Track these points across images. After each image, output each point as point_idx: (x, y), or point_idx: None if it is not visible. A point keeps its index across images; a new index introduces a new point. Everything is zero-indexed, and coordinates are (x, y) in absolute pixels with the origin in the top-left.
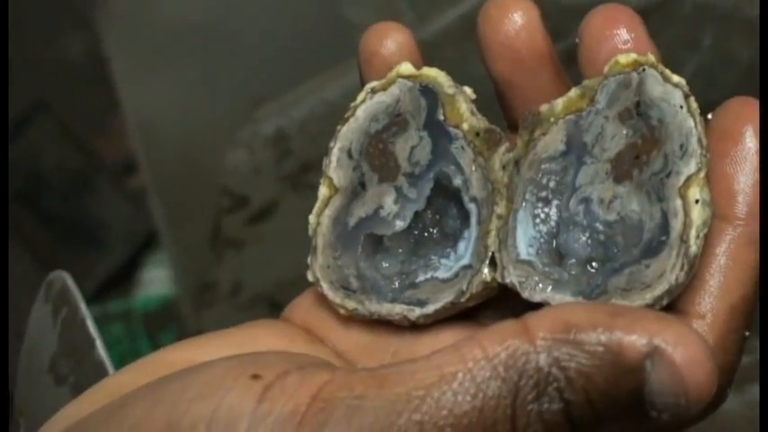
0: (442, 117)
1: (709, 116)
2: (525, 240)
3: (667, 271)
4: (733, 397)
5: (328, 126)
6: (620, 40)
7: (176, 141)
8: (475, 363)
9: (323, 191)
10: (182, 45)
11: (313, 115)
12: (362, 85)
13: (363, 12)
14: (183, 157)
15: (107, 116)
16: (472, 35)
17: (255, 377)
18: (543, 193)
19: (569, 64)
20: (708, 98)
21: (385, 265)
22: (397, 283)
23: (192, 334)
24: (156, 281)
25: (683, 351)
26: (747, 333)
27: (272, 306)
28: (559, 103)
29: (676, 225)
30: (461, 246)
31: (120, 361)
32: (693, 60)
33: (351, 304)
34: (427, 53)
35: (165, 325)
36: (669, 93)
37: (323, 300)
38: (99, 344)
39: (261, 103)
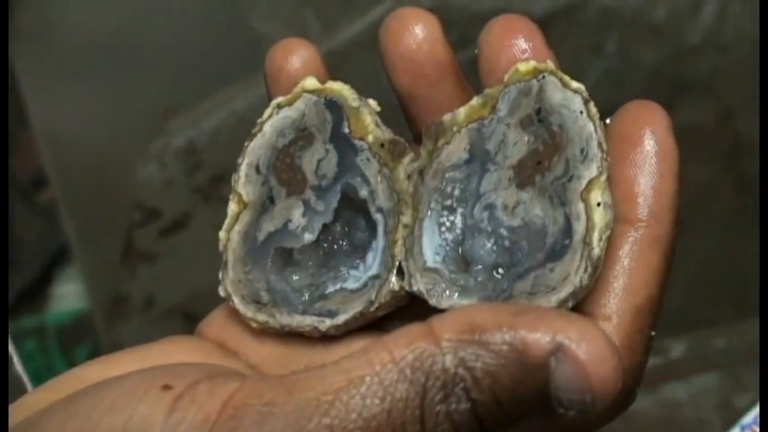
0: (347, 130)
1: (608, 121)
2: (431, 248)
3: (571, 274)
4: (645, 397)
5: (239, 138)
6: (518, 50)
7: (86, 155)
8: (382, 366)
9: (232, 207)
10: (90, 58)
11: (223, 127)
12: (269, 100)
13: (271, 24)
14: (93, 170)
15: (15, 130)
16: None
17: (166, 388)
18: (448, 202)
19: (470, 74)
20: (614, 103)
21: (295, 277)
22: (307, 296)
23: (106, 348)
24: (68, 295)
25: (586, 347)
26: (653, 333)
27: (186, 318)
28: (461, 112)
29: (579, 228)
30: (370, 256)
31: (35, 376)
32: (599, 66)
33: (262, 317)
34: (336, 63)
35: (79, 340)
36: (569, 99)
37: (235, 314)
38: (16, 360)
39: (171, 115)
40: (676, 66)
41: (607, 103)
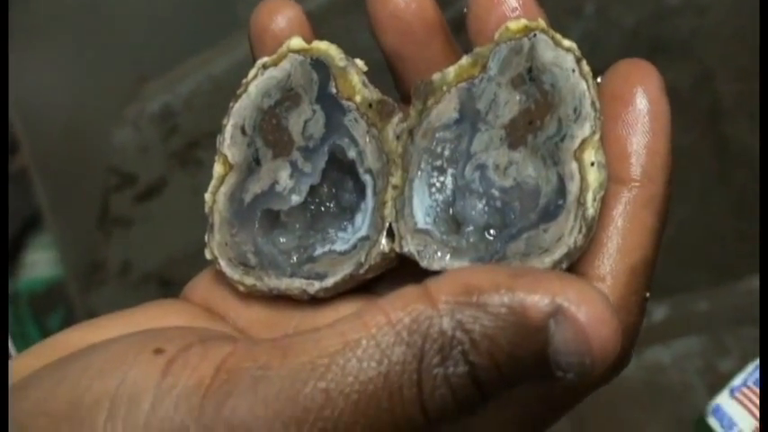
0: (334, 90)
1: (599, 79)
2: (422, 209)
3: (565, 234)
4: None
5: (215, 102)
6: (508, 8)
7: (59, 120)
8: (378, 329)
9: (217, 168)
10: (62, 21)
11: (199, 91)
12: (254, 61)
13: None
14: (66, 136)
15: None
16: (358, 6)
17: (158, 351)
18: (438, 162)
19: (458, 32)
20: (593, 64)
21: (282, 240)
22: (295, 258)
23: (80, 315)
24: (41, 262)
25: (586, 309)
26: (648, 294)
27: (163, 284)
28: (451, 71)
29: (573, 188)
30: (358, 218)
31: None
32: (578, 27)
33: (249, 281)
34: (313, 25)
35: (53, 307)
36: (561, 57)
37: (222, 277)
38: None
39: (146, 79)
40: (655, 27)
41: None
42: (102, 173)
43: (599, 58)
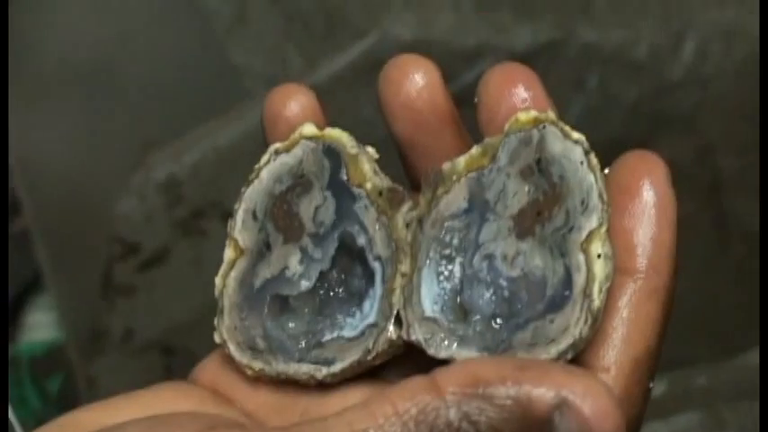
0: (345, 177)
1: (606, 171)
2: (430, 297)
3: (571, 325)
4: None
5: (220, 172)
6: (518, 99)
7: (62, 184)
8: (386, 419)
9: (228, 253)
10: (70, 86)
11: (204, 161)
12: (266, 146)
13: (251, 57)
14: (69, 201)
15: None
16: (364, 80)
17: None
18: (447, 251)
19: (460, 107)
20: (595, 139)
21: (291, 325)
22: (303, 343)
23: (80, 380)
24: (41, 325)
25: (591, 402)
26: (652, 385)
27: (165, 352)
28: (461, 161)
29: (579, 280)
30: (367, 304)
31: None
32: (580, 102)
33: (257, 365)
34: (320, 98)
35: (52, 371)
36: (569, 149)
37: (230, 361)
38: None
39: (151, 148)
40: (657, 102)
41: (588, 140)
42: (105, 240)
43: (601, 132)
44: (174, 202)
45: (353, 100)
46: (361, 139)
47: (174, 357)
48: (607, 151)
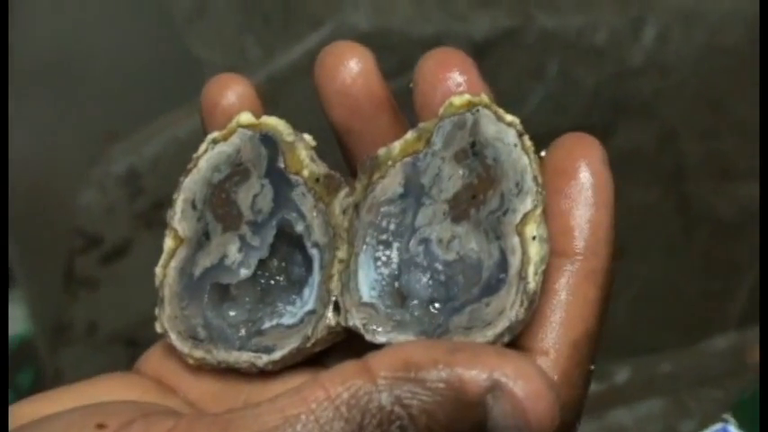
0: (282, 165)
1: (543, 153)
2: (367, 283)
3: (507, 308)
4: (589, 423)
5: (180, 164)
6: (453, 83)
7: (24, 177)
8: (318, 404)
9: (168, 242)
10: (28, 79)
11: (165, 153)
12: (205, 135)
13: (210, 49)
14: (32, 193)
15: None
16: None
17: (100, 426)
18: (383, 236)
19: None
20: (556, 126)
21: (231, 313)
22: (243, 331)
23: (49, 375)
24: (13, 319)
25: (523, 384)
26: (592, 367)
27: (129, 344)
28: (396, 146)
29: (514, 262)
30: (306, 292)
31: None
32: (540, 89)
33: (198, 354)
34: (276, 88)
35: (22, 366)
36: (503, 132)
37: (173, 350)
38: None
39: (111, 140)
40: (617, 88)
41: (549, 127)
42: (67, 233)
43: (562, 119)
44: (135, 193)
45: (311, 89)
46: (320, 128)
47: (139, 349)
48: None
